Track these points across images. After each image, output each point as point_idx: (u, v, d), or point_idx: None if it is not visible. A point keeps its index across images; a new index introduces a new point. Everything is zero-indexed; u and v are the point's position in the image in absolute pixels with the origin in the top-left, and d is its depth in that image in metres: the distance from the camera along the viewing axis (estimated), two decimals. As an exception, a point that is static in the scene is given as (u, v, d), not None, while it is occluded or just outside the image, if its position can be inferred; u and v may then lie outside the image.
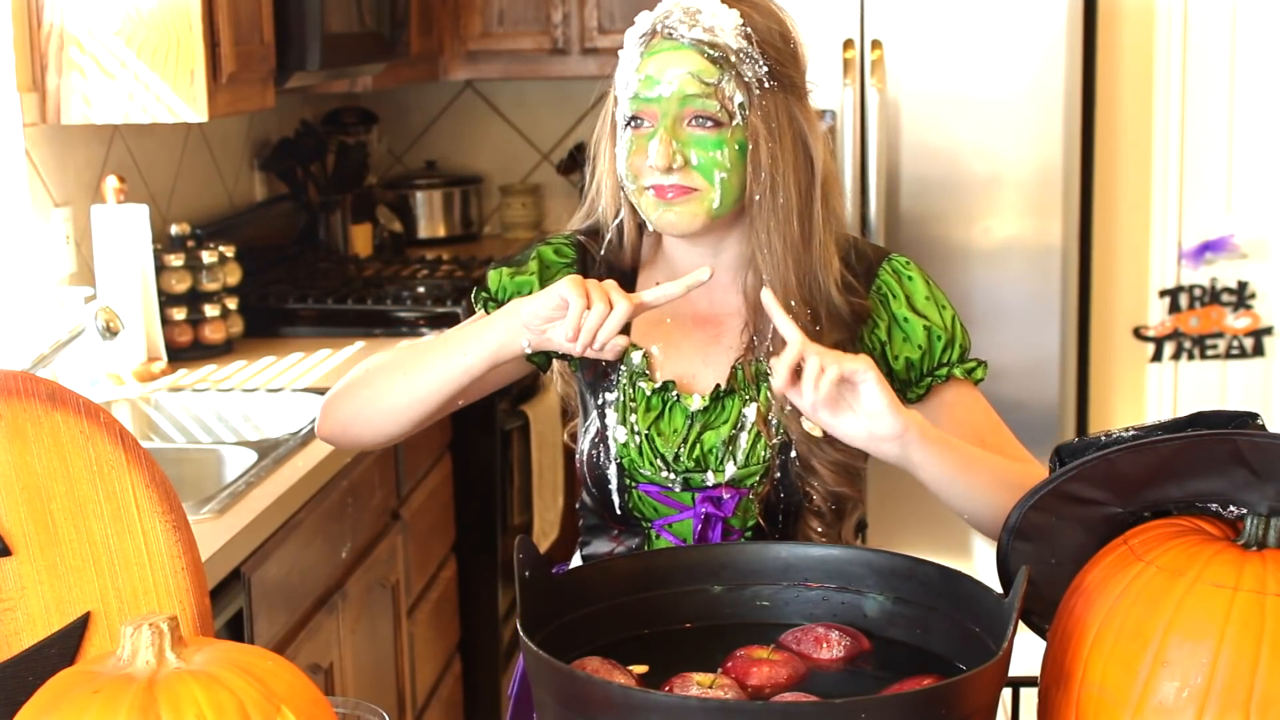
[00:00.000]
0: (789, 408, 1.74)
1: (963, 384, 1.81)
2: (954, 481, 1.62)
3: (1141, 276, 4.07)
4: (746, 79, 1.72)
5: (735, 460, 1.78)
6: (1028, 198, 3.85)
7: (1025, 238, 3.86)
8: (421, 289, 3.68)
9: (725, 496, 1.78)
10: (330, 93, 4.23)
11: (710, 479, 1.78)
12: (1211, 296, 4.05)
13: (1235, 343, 4.07)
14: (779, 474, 1.77)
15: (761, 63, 1.73)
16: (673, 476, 1.78)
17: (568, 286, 1.63)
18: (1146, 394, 4.12)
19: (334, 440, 1.89)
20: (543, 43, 4.43)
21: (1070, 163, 3.83)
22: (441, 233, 4.76)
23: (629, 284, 1.84)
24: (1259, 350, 4.07)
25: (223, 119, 3.42)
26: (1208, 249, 4.03)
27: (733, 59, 1.71)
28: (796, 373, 1.53)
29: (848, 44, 3.78)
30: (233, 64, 2.94)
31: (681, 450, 1.78)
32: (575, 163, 4.77)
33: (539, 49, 4.43)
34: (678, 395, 1.79)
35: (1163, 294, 4.07)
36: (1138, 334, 4.09)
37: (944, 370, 1.80)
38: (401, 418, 1.80)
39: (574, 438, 1.92)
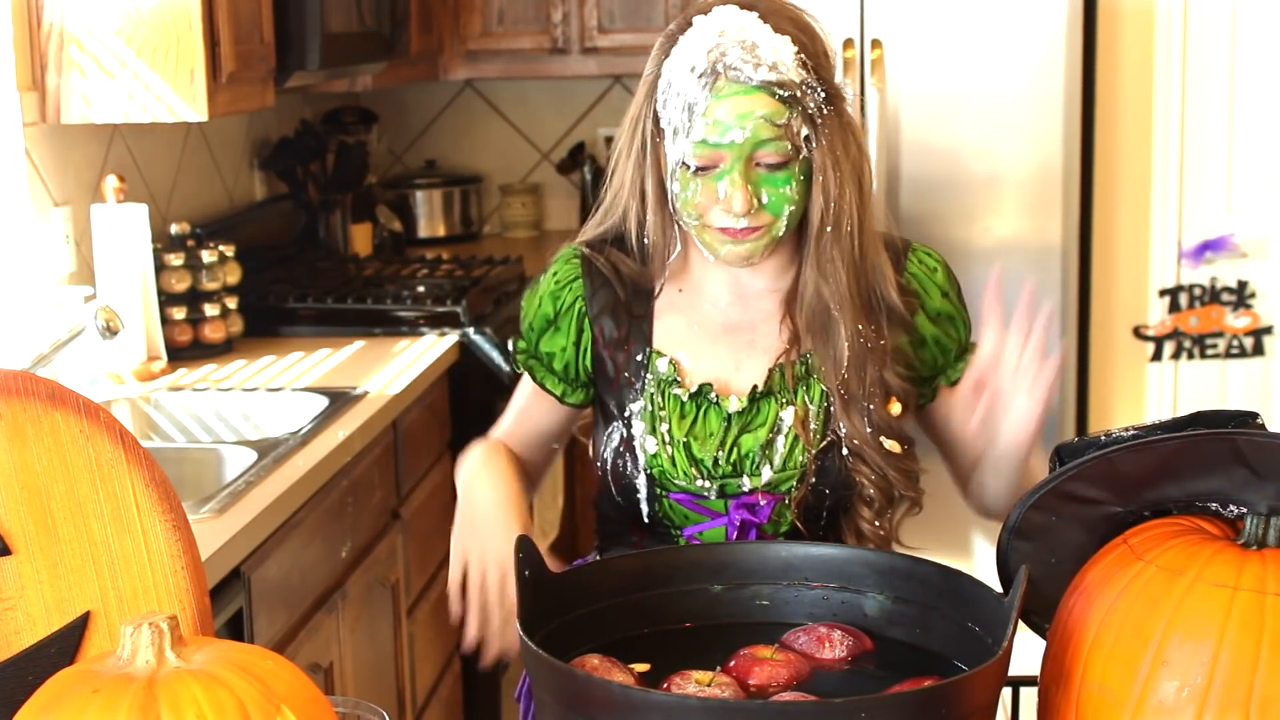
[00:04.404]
0: (866, 432, 1.77)
1: None
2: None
3: (1141, 276, 4.07)
4: (810, 111, 1.71)
5: (772, 464, 1.77)
6: (1028, 198, 3.85)
7: (1025, 238, 3.86)
8: (421, 288, 3.68)
9: (761, 503, 1.77)
10: (330, 92, 4.23)
11: (746, 484, 1.77)
12: (1211, 296, 4.05)
13: (1235, 342, 4.07)
14: (815, 479, 1.77)
15: (820, 89, 1.72)
16: (708, 484, 1.77)
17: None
18: (1146, 393, 4.12)
19: None
20: (543, 42, 4.43)
21: (1070, 163, 3.83)
22: (441, 232, 4.76)
23: (647, 298, 1.85)
24: (1259, 350, 4.07)
25: (223, 118, 3.42)
26: (1208, 248, 4.03)
27: (798, 94, 1.70)
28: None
29: (848, 44, 3.78)
30: (232, 63, 2.93)
31: (720, 454, 1.77)
32: (575, 162, 4.78)
33: (539, 48, 4.43)
34: (716, 397, 1.78)
35: (1163, 293, 4.07)
36: (1138, 333, 4.09)
37: (970, 354, 1.85)
38: None
39: (593, 443, 1.91)
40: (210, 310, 3.25)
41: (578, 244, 1.89)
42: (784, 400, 1.78)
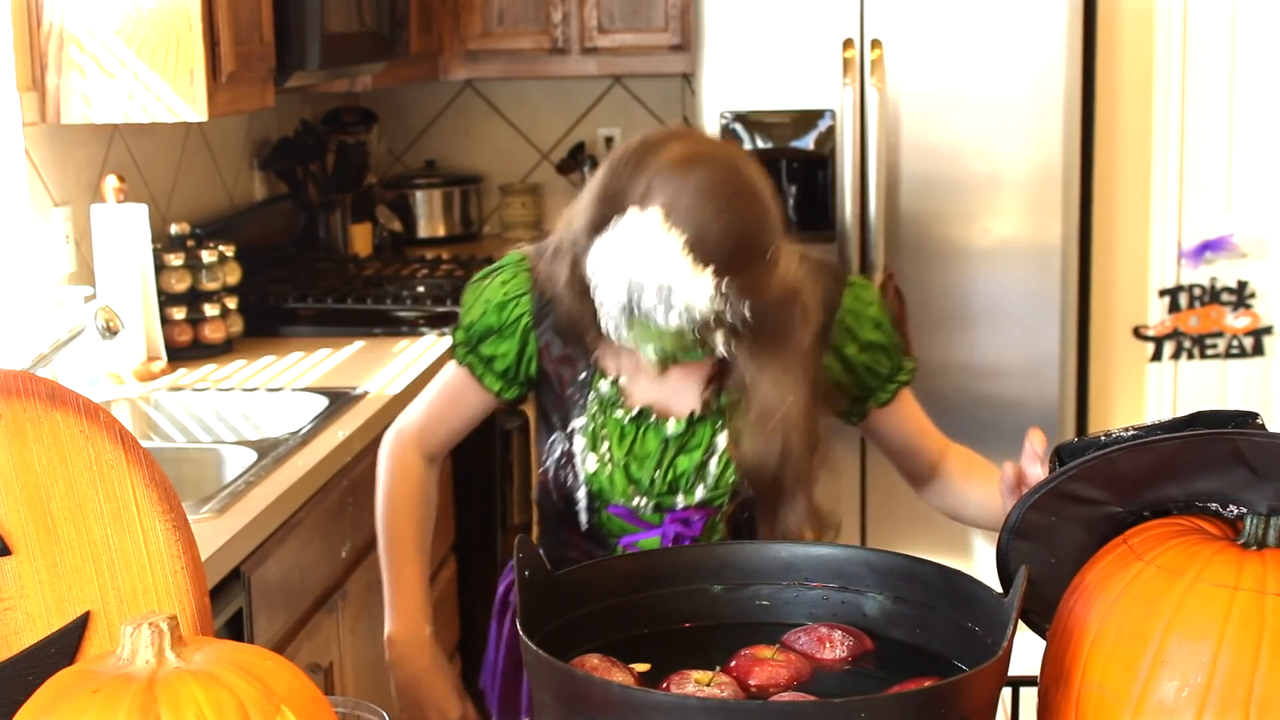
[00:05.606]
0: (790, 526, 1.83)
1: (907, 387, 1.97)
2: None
3: (1141, 276, 4.07)
4: (729, 322, 1.69)
5: (705, 484, 1.83)
6: (1028, 198, 3.85)
7: (1025, 237, 3.86)
8: (421, 288, 3.68)
9: (694, 518, 1.84)
10: (330, 92, 4.23)
11: (680, 501, 1.83)
12: (1211, 296, 4.05)
13: (1235, 342, 4.07)
14: (746, 496, 1.85)
15: (743, 305, 1.68)
16: (644, 501, 1.83)
17: None
18: (1146, 393, 4.12)
19: None
20: (542, 42, 4.43)
21: (1070, 163, 3.83)
22: (441, 232, 4.76)
23: (586, 348, 1.86)
24: (1259, 350, 4.07)
25: (222, 118, 3.42)
26: (1208, 248, 4.03)
27: (713, 322, 1.68)
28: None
29: (848, 44, 3.78)
30: (232, 63, 2.93)
31: (657, 475, 1.82)
32: (575, 162, 4.78)
33: (539, 48, 4.43)
34: (656, 420, 1.83)
35: (1162, 293, 4.07)
36: (1138, 333, 4.09)
37: (903, 376, 1.93)
38: None
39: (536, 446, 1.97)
40: (210, 310, 3.25)
41: (528, 251, 1.89)
42: (719, 425, 1.83)
